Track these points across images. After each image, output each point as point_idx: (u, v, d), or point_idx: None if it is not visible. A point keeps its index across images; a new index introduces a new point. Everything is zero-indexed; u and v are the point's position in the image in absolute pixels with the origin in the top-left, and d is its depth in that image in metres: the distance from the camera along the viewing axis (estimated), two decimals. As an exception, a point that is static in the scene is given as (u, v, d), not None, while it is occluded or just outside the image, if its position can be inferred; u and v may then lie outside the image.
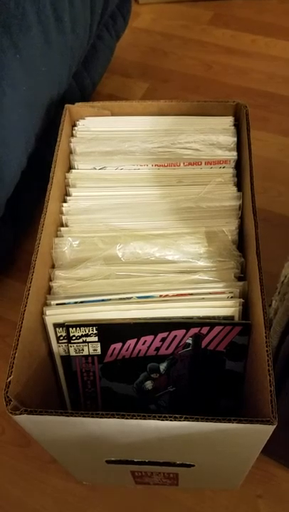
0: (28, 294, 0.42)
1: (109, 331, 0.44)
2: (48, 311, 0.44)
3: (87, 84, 0.91)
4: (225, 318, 0.45)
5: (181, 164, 0.55)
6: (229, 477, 0.53)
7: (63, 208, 0.52)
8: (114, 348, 0.45)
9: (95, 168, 0.55)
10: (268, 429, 0.35)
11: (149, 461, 0.46)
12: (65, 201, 0.53)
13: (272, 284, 0.49)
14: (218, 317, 0.44)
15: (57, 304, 0.45)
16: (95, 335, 0.44)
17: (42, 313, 0.45)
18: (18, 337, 0.39)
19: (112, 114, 0.60)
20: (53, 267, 0.49)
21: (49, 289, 0.47)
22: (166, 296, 0.45)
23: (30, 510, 0.59)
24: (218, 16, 1.27)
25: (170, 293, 0.45)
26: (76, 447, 0.42)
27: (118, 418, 0.34)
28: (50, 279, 0.48)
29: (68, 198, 0.53)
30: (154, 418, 0.34)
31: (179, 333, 0.44)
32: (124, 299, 0.45)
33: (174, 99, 0.59)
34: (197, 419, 0.34)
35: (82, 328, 0.44)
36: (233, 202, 0.51)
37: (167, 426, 0.35)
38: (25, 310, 0.41)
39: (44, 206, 0.48)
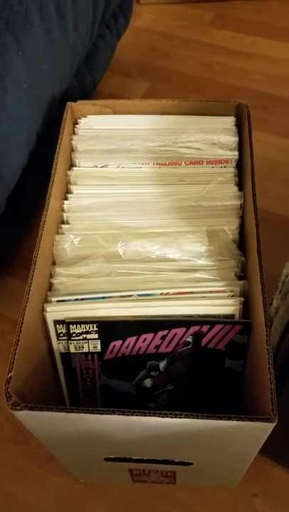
0: (29, 291, 0.42)
1: (109, 329, 0.44)
2: (49, 308, 0.44)
3: (88, 82, 0.91)
4: (225, 316, 0.45)
5: (183, 163, 0.55)
6: (227, 475, 0.53)
7: (64, 206, 0.52)
8: (114, 346, 0.45)
9: (97, 166, 0.55)
10: (268, 427, 0.35)
11: (148, 459, 0.46)
12: (66, 199, 0.53)
13: (271, 284, 0.49)
14: (219, 315, 0.45)
15: (57, 301, 0.45)
16: (95, 332, 0.44)
17: (42, 310, 0.45)
18: (19, 333, 0.39)
19: (114, 113, 0.60)
20: (53, 264, 0.49)
21: (50, 285, 0.47)
22: (166, 294, 0.45)
23: (29, 507, 0.59)
24: (219, 17, 1.27)
25: (171, 291, 0.45)
26: (75, 444, 0.42)
27: (119, 415, 0.34)
28: (51, 276, 0.48)
29: (69, 195, 0.53)
30: (154, 415, 0.34)
31: (179, 331, 0.44)
32: (124, 296, 0.45)
33: (176, 99, 0.59)
34: (197, 417, 0.34)
35: (83, 325, 0.44)
36: (234, 201, 0.52)
37: (167, 423, 0.35)
38: (26, 306, 0.41)
39: (45, 203, 0.48)
